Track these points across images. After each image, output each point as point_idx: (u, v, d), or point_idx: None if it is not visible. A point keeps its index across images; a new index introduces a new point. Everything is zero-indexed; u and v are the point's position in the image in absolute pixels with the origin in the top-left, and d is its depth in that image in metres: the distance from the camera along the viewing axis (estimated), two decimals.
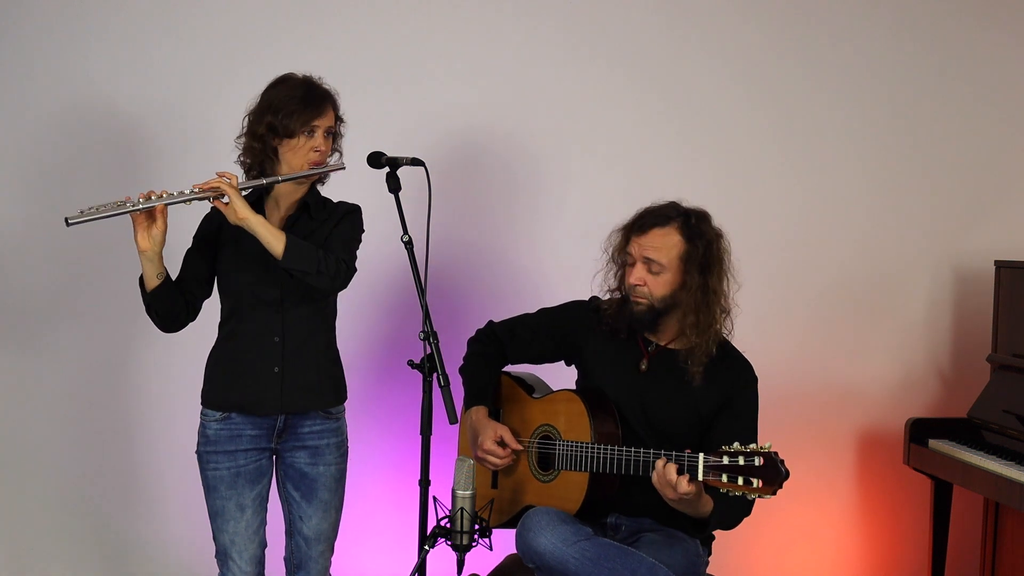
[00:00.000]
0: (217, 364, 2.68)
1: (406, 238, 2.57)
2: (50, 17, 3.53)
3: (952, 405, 3.85)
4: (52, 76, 3.53)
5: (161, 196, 2.47)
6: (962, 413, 3.55)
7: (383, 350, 3.61)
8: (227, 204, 2.49)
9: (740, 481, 2.38)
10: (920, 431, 3.52)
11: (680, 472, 2.45)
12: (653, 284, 2.68)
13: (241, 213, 2.47)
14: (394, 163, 2.64)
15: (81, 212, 2.41)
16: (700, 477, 2.43)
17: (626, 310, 2.73)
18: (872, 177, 3.89)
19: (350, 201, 2.73)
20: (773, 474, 2.37)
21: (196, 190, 2.49)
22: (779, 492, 2.37)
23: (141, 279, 2.58)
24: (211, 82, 3.57)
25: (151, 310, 2.61)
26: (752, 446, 2.40)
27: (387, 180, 2.62)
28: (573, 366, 2.94)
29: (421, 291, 2.53)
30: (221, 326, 2.71)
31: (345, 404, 2.76)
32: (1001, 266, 3.52)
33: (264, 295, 2.61)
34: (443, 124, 3.66)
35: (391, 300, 3.60)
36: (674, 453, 2.49)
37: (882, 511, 3.90)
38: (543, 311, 2.96)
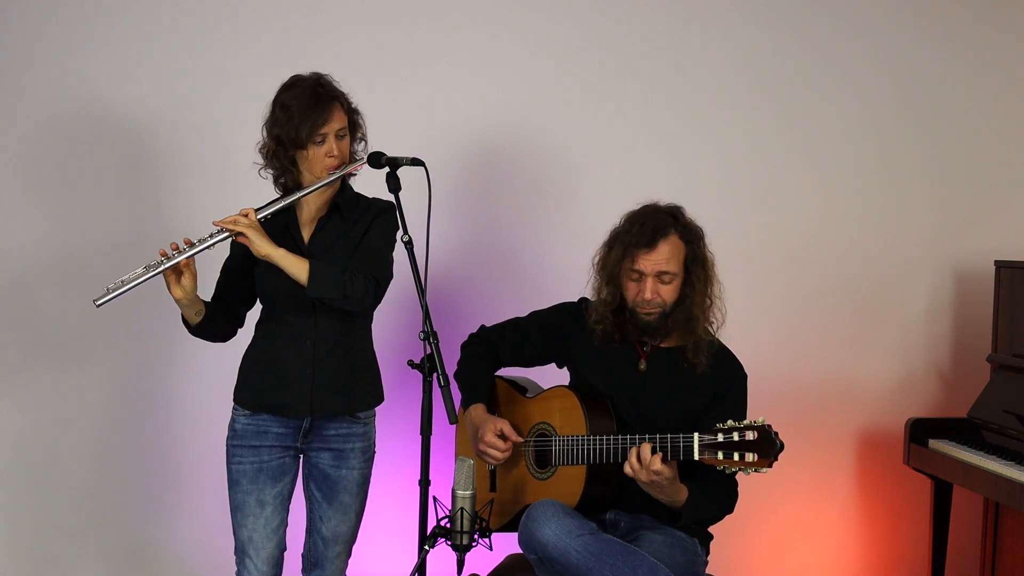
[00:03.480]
0: (251, 363, 2.71)
1: (406, 238, 2.57)
2: (49, 17, 3.53)
3: (952, 405, 3.85)
4: (52, 77, 3.53)
5: (183, 250, 2.50)
6: (962, 413, 3.55)
7: (383, 350, 3.59)
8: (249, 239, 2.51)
9: (736, 457, 2.42)
10: (920, 431, 3.52)
11: (675, 455, 2.51)
12: (665, 293, 2.72)
13: (263, 250, 2.50)
14: (394, 163, 2.63)
15: (108, 290, 2.46)
16: (696, 456, 2.47)
17: (633, 321, 2.75)
18: (872, 177, 3.89)
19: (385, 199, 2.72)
20: (768, 447, 2.41)
21: (218, 228, 2.52)
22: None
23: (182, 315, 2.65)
24: (211, 82, 3.57)
25: (197, 336, 2.69)
26: (745, 421, 2.45)
27: (387, 180, 2.62)
28: (565, 368, 2.95)
29: (421, 291, 2.53)
30: (258, 325, 2.74)
31: (376, 409, 2.77)
32: (1001, 266, 3.52)
33: (298, 300, 2.61)
34: (443, 124, 3.66)
35: (391, 300, 3.58)
36: (668, 436, 2.52)
37: (882, 511, 3.90)
38: (533, 314, 2.97)
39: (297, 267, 2.51)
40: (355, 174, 2.72)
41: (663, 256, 2.70)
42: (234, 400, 2.71)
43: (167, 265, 2.49)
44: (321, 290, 2.51)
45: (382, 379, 2.82)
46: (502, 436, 2.78)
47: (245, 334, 2.78)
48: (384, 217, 2.69)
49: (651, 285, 2.70)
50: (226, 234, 2.52)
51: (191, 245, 2.52)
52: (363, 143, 2.72)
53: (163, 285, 2.58)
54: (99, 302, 2.47)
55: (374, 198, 2.74)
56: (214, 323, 2.67)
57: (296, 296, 2.60)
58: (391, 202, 2.69)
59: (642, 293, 2.70)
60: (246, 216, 2.53)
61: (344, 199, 2.69)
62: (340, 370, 2.66)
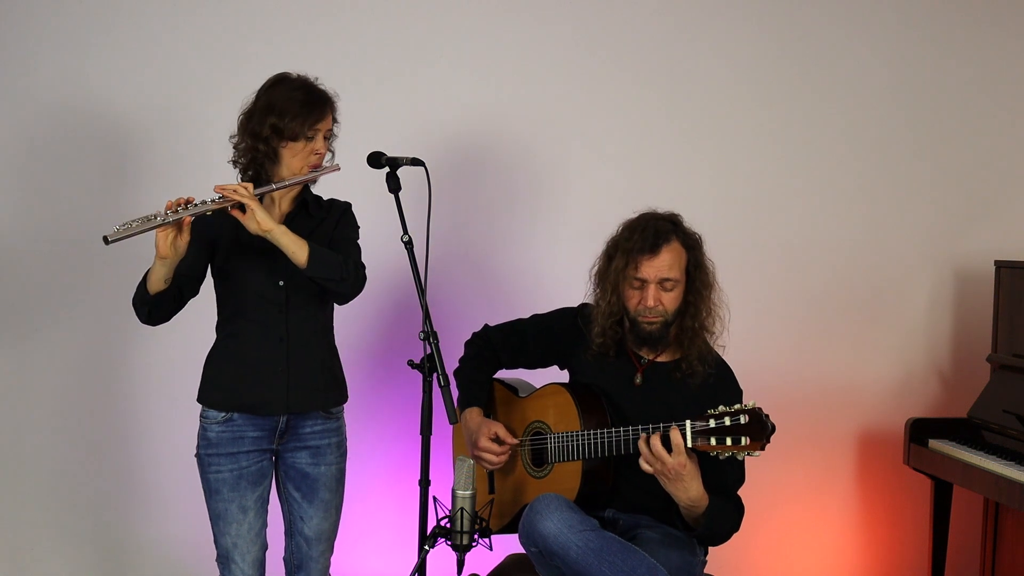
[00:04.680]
0: (219, 364, 2.66)
1: (406, 238, 2.57)
2: (49, 18, 3.53)
3: (952, 405, 3.85)
4: (50, 76, 3.53)
5: (187, 207, 2.44)
6: (962, 413, 3.55)
7: (383, 350, 3.61)
8: (246, 214, 2.46)
9: (729, 441, 2.42)
10: (920, 431, 3.52)
11: (668, 444, 2.48)
12: (667, 301, 2.70)
13: (265, 224, 2.46)
14: (394, 163, 2.64)
15: (117, 230, 2.38)
16: (689, 444, 2.46)
17: (634, 332, 2.73)
18: (872, 177, 3.89)
19: (342, 199, 2.76)
20: (759, 429, 2.41)
21: (219, 196, 2.46)
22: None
23: (145, 277, 2.55)
24: (209, 82, 3.57)
25: (144, 307, 2.57)
26: (736, 405, 2.45)
27: (387, 180, 2.63)
28: (567, 370, 2.95)
29: (421, 291, 2.53)
30: (222, 326, 2.69)
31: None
32: (1001, 266, 3.52)
33: (269, 295, 2.60)
34: (443, 124, 3.66)
35: (391, 300, 3.60)
36: (661, 425, 2.51)
37: (882, 511, 3.90)
38: (535, 317, 2.97)
39: (296, 244, 2.47)
40: (314, 182, 2.72)
41: (665, 262, 2.68)
42: (202, 402, 2.65)
43: (172, 219, 2.41)
44: (320, 269, 2.49)
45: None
46: (497, 440, 2.78)
47: (207, 336, 2.70)
48: (349, 215, 2.73)
49: (653, 292, 2.68)
50: (223, 203, 2.46)
51: (192, 204, 2.45)
52: (330, 154, 2.70)
53: (131, 283, 2.55)
54: (111, 239, 2.36)
55: (331, 199, 2.75)
56: (169, 299, 2.57)
57: (267, 292, 2.59)
58: (348, 202, 2.74)
59: (644, 301, 2.68)
60: (246, 188, 2.48)
61: (311, 197, 2.71)
62: (314, 366, 2.65)
